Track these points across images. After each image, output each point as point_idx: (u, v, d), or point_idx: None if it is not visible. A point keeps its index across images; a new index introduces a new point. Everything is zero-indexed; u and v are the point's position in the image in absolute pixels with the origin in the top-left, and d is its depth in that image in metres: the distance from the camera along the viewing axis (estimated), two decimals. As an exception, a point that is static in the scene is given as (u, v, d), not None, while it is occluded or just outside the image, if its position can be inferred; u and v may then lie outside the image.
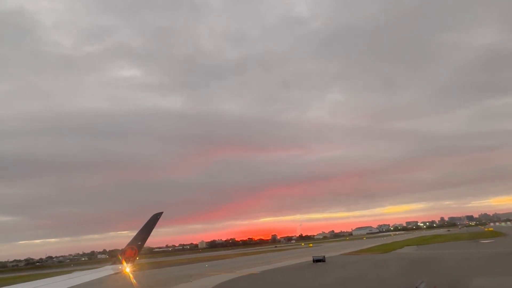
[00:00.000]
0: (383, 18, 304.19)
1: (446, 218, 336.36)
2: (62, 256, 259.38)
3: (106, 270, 12.53)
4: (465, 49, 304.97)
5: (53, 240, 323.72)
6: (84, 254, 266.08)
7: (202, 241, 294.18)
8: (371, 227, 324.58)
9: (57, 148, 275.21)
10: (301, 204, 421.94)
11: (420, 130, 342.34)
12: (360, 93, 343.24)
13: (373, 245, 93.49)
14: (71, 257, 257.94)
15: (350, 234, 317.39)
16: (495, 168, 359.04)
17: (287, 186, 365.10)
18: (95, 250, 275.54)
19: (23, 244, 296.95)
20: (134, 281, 13.88)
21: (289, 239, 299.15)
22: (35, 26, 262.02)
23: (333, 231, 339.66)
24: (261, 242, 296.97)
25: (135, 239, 13.26)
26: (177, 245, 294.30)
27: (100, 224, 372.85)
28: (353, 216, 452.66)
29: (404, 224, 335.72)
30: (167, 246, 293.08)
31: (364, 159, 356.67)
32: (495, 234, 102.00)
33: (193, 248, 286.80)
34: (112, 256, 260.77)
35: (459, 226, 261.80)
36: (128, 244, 13.16)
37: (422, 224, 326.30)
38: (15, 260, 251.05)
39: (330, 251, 76.87)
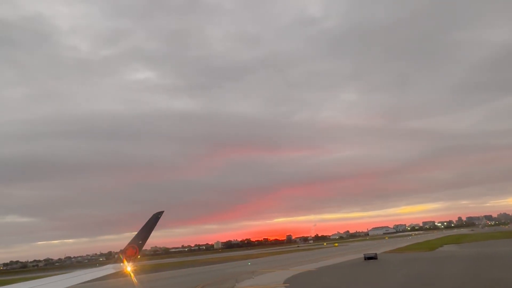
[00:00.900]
0: (397, 16, 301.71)
1: (464, 218, 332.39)
2: (80, 256, 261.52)
3: (107, 269, 12.41)
4: (481, 46, 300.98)
5: (70, 240, 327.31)
6: (101, 254, 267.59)
7: (218, 241, 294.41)
8: (387, 227, 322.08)
9: (74, 150, 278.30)
10: (314, 204, 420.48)
11: (436, 129, 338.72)
12: (374, 93, 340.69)
13: (406, 244, 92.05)
14: (89, 257, 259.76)
15: (366, 234, 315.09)
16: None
17: (300, 187, 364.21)
18: (112, 250, 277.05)
19: (41, 245, 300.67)
20: (135, 280, 14.15)
21: (304, 239, 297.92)
22: (53, 31, 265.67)
23: (348, 231, 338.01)
24: (276, 243, 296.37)
25: (136, 238, 13.15)
26: (192, 245, 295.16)
27: (116, 225, 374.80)
28: (367, 216, 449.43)
29: (421, 224, 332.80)
30: (183, 247, 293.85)
31: (379, 159, 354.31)
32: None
33: (209, 248, 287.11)
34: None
35: (480, 226, 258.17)
36: (129, 243, 12.97)
37: (439, 224, 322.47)
38: (34, 260, 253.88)
39: (365, 250, 75.66)
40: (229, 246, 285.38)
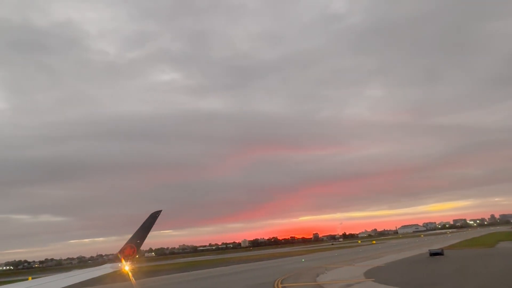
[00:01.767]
0: (424, 9, 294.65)
1: (496, 216, 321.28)
2: (111, 254, 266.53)
3: (105, 269, 12.48)
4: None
5: (101, 239, 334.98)
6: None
7: (245, 239, 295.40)
8: (417, 225, 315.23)
9: (104, 151, 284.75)
10: (340, 202, 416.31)
11: (466, 124, 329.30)
12: (401, 88, 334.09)
13: (455, 241, 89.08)
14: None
15: (395, 232, 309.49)
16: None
17: (326, 185, 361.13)
18: (142, 249, 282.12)
19: (73, 243, 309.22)
20: (133, 279, 13.75)
21: (332, 237, 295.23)
22: (82, 36, 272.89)
23: (375, 229, 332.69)
24: (304, 241, 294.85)
25: (133, 237, 13.12)
26: (219, 243, 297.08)
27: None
28: (395, 214, 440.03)
29: (451, 222, 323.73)
30: (210, 245, 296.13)
31: (406, 155, 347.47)
32: None
33: (236, 246, 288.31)
34: (158, 254, 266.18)
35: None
36: (127, 243, 12.99)
37: (472, 222, 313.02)
38: (68, 258, 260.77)
39: (412, 247, 73.87)
40: (256, 244, 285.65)
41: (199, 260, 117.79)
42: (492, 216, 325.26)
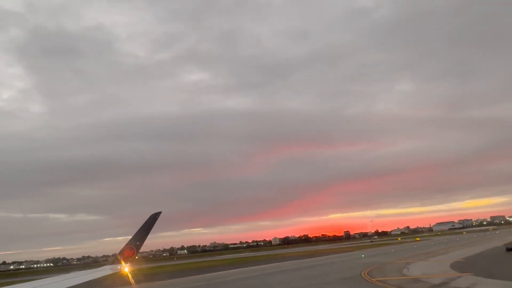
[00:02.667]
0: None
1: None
2: (145, 251, 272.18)
3: (104, 270, 12.31)
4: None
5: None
6: (164, 250, 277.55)
7: (275, 237, 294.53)
8: (453, 222, 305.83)
9: (134, 151, 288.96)
10: (371, 199, 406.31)
11: (501, 117, 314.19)
12: (432, 82, 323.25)
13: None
14: (153, 252, 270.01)
15: (430, 229, 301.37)
16: None
17: (355, 182, 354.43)
18: (174, 246, 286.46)
19: (107, 241, 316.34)
20: (133, 281, 13.56)
21: (364, 235, 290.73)
22: (112, 40, 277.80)
23: (408, 226, 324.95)
24: (335, 239, 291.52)
25: (133, 239, 12.89)
26: (250, 241, 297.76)
27: (174, 222, 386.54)
28: (428, 211, 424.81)
29: (488, 219, 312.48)
30: (240, 243, 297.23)
31: (438, 151, 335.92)
32: None
33: (267, 244, 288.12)
34: (190, 252, 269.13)
35: None
36: (127, 244, 12.78)
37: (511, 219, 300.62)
38: (104, 256, 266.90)
39: (476, 243, 70.89)
40: (287, 242, 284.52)
41: (244, 256, 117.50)
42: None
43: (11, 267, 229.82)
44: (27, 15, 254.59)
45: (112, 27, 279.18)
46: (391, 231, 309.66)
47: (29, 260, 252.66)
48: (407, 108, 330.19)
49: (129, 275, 12.66)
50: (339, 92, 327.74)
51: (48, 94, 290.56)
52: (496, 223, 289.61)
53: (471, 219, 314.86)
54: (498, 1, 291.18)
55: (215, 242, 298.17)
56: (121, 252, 13.07)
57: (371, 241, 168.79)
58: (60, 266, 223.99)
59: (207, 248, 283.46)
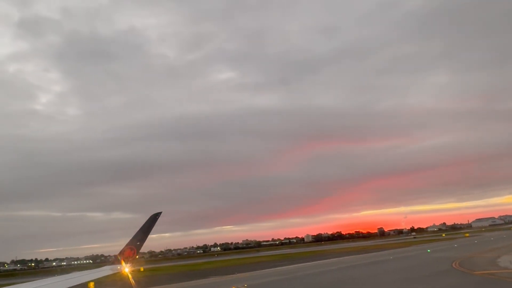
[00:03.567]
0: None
1: None
2: (179, 248, 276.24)
3: (104, 271, 12.21)
4: None
5: (167, 234, 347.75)
6: (198, 247, 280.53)
7: (308, 234, 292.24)
8: (493, 218, 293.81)
9: (166, 151, 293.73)
10: (404, 195, 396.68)
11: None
12: (468, 73, 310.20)
13: None
14: (186, 250, 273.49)
15: (469, 226, 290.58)
16: None
17: (388, 178, 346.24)
18: (207, 244, 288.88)
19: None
20: (133, 281, 13.30)
21: (399, 231, 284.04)
22: (144, 42, 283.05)
23: (444, 223, 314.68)
24: (369, 235, 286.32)
25: (133, 239, 12.83)
26: (282, 238, 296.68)
27: (206, 220, 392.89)
28: (465, 207, 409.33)
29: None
30: (272, 240, 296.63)
31: (476, 144, 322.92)
32: None
33: (299, 241, 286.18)
34: (223, 249, 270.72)
35: None
36: (127, 245, 12.69)
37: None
38: (140, 252, 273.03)
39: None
40: (320, 239, 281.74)
41: (289, 253, 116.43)
42: None
43: (54, 263, 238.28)
44: (63, 21, 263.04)
45: (143, 29, 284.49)
46: (427, 228, 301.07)
47: (69, 257, 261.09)
48: (442, 101, 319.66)
49: (129, 275, 12.51)
50: (370, 86, 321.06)
51: (83, 97, 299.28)
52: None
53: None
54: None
55: (247, 239, 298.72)
56: (122, 252, 12.95)
57: (414, 238, 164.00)
58: (99, 262, 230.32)
59: (239, 245, 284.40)
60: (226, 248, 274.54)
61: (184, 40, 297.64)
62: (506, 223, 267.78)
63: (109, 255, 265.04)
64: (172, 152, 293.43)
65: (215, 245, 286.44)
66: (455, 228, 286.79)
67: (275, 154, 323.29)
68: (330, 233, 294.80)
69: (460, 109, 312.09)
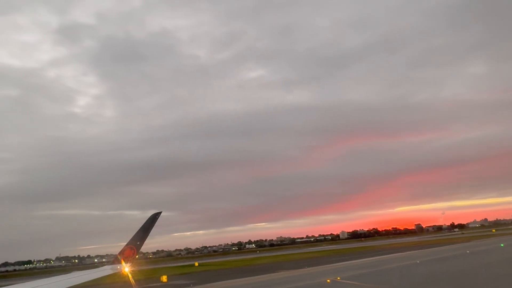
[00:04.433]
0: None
1: None
2: (214, 245, 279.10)
3: (104, 270, 12.24)
4: None
5: (201, 232, 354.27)
6: (233, 244, 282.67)
7: (343, 231, 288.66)
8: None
9: (200, 150, 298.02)
10: (441, 191, 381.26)
11: None
12: (507, 62, 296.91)
13: None
14: (221, 247, 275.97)
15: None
16: None
17: (423, 173, 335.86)
18: (241, 241, 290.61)
19: (177, 236, 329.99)
20: (133, 280, 13.28)
21: (438, 228, 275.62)
22: (175, 43, 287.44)
23: (486, 219, 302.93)
24: (406, 232, 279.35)
25: (133, 239, 12.84)
26: (316, 235, 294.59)
27: (240, 217, 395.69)
28: (507, 202, 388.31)
29: None
30: (307, 237, 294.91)
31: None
32: None
33: (334, 238, 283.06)
34: (257, 246, 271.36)
35: None
36: (127, 244, 12.74)
37: None
38: (176, 250, 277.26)
39: None
40: (356, 236, 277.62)
41: (337, 248, 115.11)
42: None
43: (95, 260, 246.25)
44: (99, 26, 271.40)
45: (175, 31, 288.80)
46: (467, 224, 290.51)
47: (110, 253, 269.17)
48: (479, 92, 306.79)
49: (129, 275, 12.51)
50: (403, 79, 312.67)
51: (119, 99, 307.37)
52: None
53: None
54: None
55: (281, 236, 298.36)
56: (122, 252, 12.89)
57: (462, 234, 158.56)
58: (138, 259, 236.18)
59: (274, 242, 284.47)
60: (261, 245, 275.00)
61: (214, 40, 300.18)
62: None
63: (146, 252, 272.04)
64: (205, 151, 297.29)
65: (249, 242, 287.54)
66: (498, 224, 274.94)
67: (307, 151, 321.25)
68: (366, 229, 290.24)
69: (499, 100, 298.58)
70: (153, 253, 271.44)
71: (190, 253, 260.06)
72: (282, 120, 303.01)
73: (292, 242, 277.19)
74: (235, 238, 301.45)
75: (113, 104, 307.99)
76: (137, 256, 13.39)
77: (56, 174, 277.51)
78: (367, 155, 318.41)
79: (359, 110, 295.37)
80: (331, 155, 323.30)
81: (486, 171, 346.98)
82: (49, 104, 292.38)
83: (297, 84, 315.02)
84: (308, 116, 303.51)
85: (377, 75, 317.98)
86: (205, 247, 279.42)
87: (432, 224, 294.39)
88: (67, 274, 12.22)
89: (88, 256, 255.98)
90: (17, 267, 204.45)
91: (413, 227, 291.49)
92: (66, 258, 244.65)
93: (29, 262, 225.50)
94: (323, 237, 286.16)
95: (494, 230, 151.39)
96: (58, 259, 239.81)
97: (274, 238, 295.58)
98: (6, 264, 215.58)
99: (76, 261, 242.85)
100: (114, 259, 13.69)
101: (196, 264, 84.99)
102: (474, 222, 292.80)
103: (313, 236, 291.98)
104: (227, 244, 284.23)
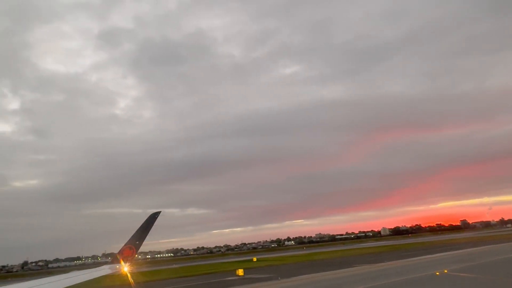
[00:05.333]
0: None
1: None
2: (253, 242, 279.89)
3: (103, 270, 12.22)
4: None
5: (238, 229, 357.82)
6: (272, 241, 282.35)
7: (384, 227, 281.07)
8: None
9: (236, 148, 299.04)
10: (487, 185, 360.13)
11: None
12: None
13: None
14: (260, 243, 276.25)
15: None
16: None
17: (468, 167, 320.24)
18: (280, 238, 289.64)
19: (216, 233, 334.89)
20: (132, 280, 13.18)
21: (486, 224, 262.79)
22: (210, 43, 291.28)
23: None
24: (451, 228, 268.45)
25: (133, 238, 12.77)
26: (356, 232, 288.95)
27: (277, 214, 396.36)
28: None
29: None
30: (347, 233, 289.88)
31: None
32: None
33: (375, 235, 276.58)
34: (297, 243, 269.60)
35: None
36: (126, 244, 12.65)
37: None
38: (216, 247, 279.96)
39: None
40: (397, 232, 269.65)
41: (387, 244, 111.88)
42: None
43: (139, 257, 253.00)
44: (137, 29, 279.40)
45: (209, 31, 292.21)
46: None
47: (152, 250, 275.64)
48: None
49: (129, 275, 12.37)
50: (445, 70, 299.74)
51: (157, 100, 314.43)
52: None
53: None
54: None
55: (320, 233, 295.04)
56: (121, 251, 12.76)
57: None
58: (179, 256, 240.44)
59: (313, 239, 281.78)
60: (300, 242, 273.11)
61: (248, 38, 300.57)
62: None
63: (188, 249, 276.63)
64: (241, 149, 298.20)
65: (288, 239, 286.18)
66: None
67: (345, 146, 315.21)
68: (408, 226, 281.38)
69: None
70: (194, 250, 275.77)
71: (229, 250, 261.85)
72: (318, 116, 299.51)
73: (332, 239, 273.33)
74: (273, 235, 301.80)
75: (152, 105, 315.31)
76: (136, 256, 13.15)
77: (100, 174, 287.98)
78: (408, 149, 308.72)
79: (398, 103, 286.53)
80: (370, 150, 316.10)
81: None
82: (92, 107, 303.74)
83: (333, 79, 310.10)
84: (345, 111, 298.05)
85: (417, 66, 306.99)
86: (244, 244, 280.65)
87: (478, 220, 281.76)
88: (66, 274, 12.14)
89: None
90: (67, 263, 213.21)
91: (458, 223, 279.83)
92: (112, 255, 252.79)
93: (78, 258, 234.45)
94: (363, 234, 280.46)
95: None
96: (105, 255, 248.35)
97: (313, 235, 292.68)
98: (57, 260, 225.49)
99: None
100: (113, 259, 13.61)
101: (255, 259, 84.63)
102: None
103: (353, 233, 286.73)
104: (266, 241, 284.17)
